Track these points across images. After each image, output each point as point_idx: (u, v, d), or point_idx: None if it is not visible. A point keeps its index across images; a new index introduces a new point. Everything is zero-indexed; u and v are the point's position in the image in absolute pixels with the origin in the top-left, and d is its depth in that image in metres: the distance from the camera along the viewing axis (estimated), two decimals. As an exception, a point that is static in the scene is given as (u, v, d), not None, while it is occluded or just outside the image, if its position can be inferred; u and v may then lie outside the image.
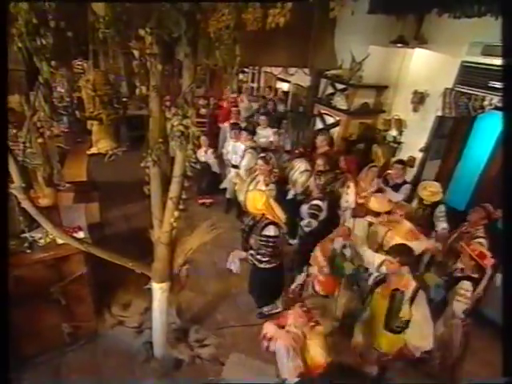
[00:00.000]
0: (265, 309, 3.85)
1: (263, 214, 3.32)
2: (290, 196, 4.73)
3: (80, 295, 3.12)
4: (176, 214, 2.37)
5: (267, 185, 4.07)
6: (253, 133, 5.65)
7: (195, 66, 1.94)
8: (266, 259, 3.38)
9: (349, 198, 4.46)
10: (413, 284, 2.68)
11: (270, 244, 3.31)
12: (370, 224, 3.53)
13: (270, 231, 3.28)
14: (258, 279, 3.66)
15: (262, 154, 4.51)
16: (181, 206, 2.37)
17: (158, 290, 2.86)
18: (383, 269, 2.90)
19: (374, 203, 3.58)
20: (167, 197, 2.36)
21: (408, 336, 2.70)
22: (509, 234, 1.46)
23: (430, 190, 3.92)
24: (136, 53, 2.02)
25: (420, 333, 2.65)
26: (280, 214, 3.37)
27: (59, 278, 2.94)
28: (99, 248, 2.66)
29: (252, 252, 3.44)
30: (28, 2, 1.59)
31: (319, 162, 4.57)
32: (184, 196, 2.34)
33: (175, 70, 2.02)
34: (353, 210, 4.47)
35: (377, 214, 3.56)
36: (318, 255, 3.34)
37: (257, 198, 3.31)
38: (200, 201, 5.89)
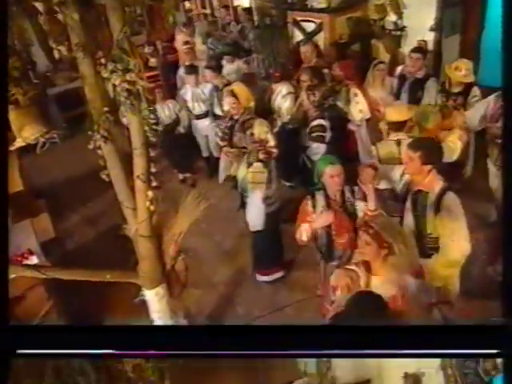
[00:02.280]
0: None
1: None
2: (276, 128, 4.78)
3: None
4: (150, 194, 2.31)
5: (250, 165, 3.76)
6: (219, 67, 5.62)
7: (122, 3, 1.91)
8: None
9: (360, 107, 4.50)
10: (440, 183, 2.62)
11: None
12: (399, 143, 3.45)
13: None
14: None
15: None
16: (153, 183, 2.32)
17: (154, 298, 2.72)
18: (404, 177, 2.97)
19: (392, 113, 3.59)
20: (133, 177, 2.30)
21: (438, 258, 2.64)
22: (509, 232, 1.63)
23: (466, 68, 3.97)
24: (39, 6, 1.97)
25: (453, 246, 2.56)
26: None
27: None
28: (63, 269, 2.58)
29: None
30: None
31: (304, 77, 4.57)
32: (153, 169, 2.30)
33: (100, 17, 1.98)
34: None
35: (400, 127, 3.53)
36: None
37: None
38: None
